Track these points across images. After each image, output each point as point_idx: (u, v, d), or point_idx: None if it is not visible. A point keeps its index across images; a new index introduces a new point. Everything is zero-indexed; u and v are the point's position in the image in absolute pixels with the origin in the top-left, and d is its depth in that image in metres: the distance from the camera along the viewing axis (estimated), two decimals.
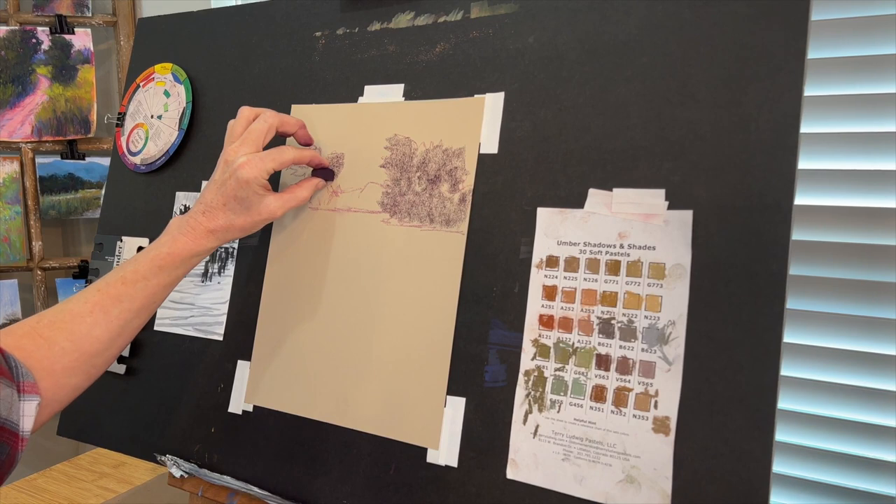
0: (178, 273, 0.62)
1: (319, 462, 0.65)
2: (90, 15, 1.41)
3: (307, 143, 0.70)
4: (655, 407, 0.51)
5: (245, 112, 0.65)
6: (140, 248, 0.82)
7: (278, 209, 0.63)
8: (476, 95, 0.63)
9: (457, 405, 0.59)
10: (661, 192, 0.53)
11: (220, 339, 0.74)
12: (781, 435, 0.87)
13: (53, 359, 0.54)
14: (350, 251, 0.67)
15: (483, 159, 0.61)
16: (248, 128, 0.64)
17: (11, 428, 0.49)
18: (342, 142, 0.70)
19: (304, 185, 0.67)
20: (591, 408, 0.53)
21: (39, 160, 1.40)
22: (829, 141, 0.84)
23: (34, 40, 1.37)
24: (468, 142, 0.62)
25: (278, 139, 0.70)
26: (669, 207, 0.53)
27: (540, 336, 0.56)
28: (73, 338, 0.56)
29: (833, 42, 0.83)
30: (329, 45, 0.73)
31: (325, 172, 0.69)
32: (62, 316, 0.56)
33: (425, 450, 0.60)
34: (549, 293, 0.57)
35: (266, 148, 0.64)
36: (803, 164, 0.84)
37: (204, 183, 0.79)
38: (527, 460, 0.55)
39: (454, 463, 0.58)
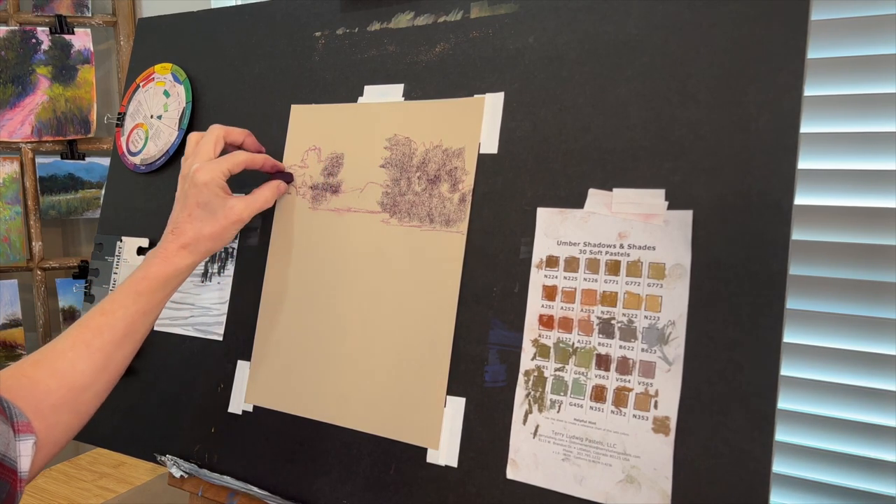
0: (157, 298, 0.61)
1: (319, 462, 0.65)
2: (90, 15, 1.41)
3: (257, 150, 0.71)
4: (655, 407, 0.51)
5: (192, 136, 0.68)
6: (140, 249, 0.82)
7: (244, 210, 0.64)
8: (476, 95, 0.63)
9: (457, 405, 0.59)
10: (661, 192, 0.53)
11: (220, 339, 0.74)
12: (781, 435, 0.87)
13: (39, 398, 0.54)
14: (350, 251, 0.67)
15: (483, 159, 0.61)
16: (197, 144, 0.66)
17: (10, 465, 0.49)
18: (342, 142, 0.70)
19: (267, 187, 0.68)
20: (591, 408, 0.54)
21: (39, 160, 1.40)
22: (829, 141, 0.84)
23: (34, 40, 1.37)
24: (468, 142, 0.62)
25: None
26: (669, 207, 0.53)
27: (540, 336, 0.56)
28: (57, 375, 0.55)
29: (833, 42, 0.83)
30: (329, 45, 0.73)
31: (284, 176, 0.70)
32: (45, 354, 0.56)
33: (425, 450, 0.60)
34: (549, 293, 0.57)
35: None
36: (803, 164, 0.84)
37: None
38: (527, 460, 0.55)
39: (454, 463, 0.58)
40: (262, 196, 0.67)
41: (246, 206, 0.64)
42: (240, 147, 0.70)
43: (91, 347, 0.57)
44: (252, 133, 0.71)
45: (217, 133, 0.66)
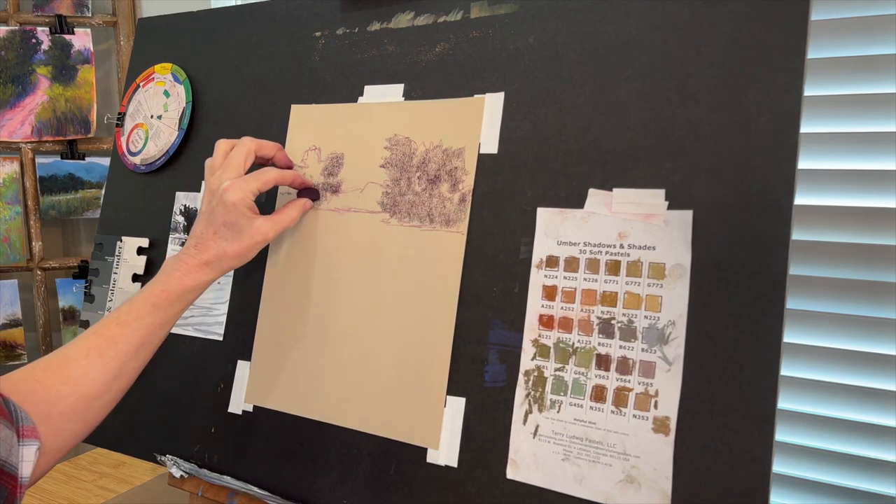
0: (174, 311, 0.61)
1: (319, 462, 0.65)
2: (90, 15, 1.41)
3: (287, 165, 0.70)
4: (655, 407, 0.51)
5: (221, 144, 0.66)
6: (140, 249, 0.82)
7: (270, 230, 0.63)
8: (476, 95, 0.63)
9: (457, 405, 0.59)
10: (661, 192, 0.53)
11: (220, 339, 0.74)
12: (781, 435, 0.87)
13: (50, 403, 0.53)
14: (350, 251, 0.67)
15: (483, 159, 0.61)
16: (228, 156, 0.65)
17: (10, 471, 0.48)
18: (342, 142, 0.70)
19: (293, 206, 0.67)
20: (591, 408, 0.54)
21: (39, 160, 1.40)
22: (829, 141, 0.84)
23: (34, 40, 1.37)
24: (468, 142, 0.62)
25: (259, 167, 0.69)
26: (669, 207, 0.53)
27: (540, 336, 0.56)
28: (70, 381, 0.55)
29: (833, 42, 0.83)
30: (329, 45, 0.73)
31: (310, 192, 0.69)
32: (58, 360, 0.55)
33: (425, 450, 0.60)
34: (549, 293, 0.57)
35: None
36: (803, 164, 0.84)
37: (203, 184, 0.79)
38: (527, 460, 0.55)
39: (454, 463, 0.58)
40: (288, 216, 0.66)
41: (272, 227, 0.63)
42: (269, 160, 0.69)
43: (105, 357, 0.56)
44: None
45: (249, 147, 0.65)
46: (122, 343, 0.57)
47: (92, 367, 0.56)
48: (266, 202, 0.73)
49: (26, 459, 0.50)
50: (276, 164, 0.69)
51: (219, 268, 0.62)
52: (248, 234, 0.62)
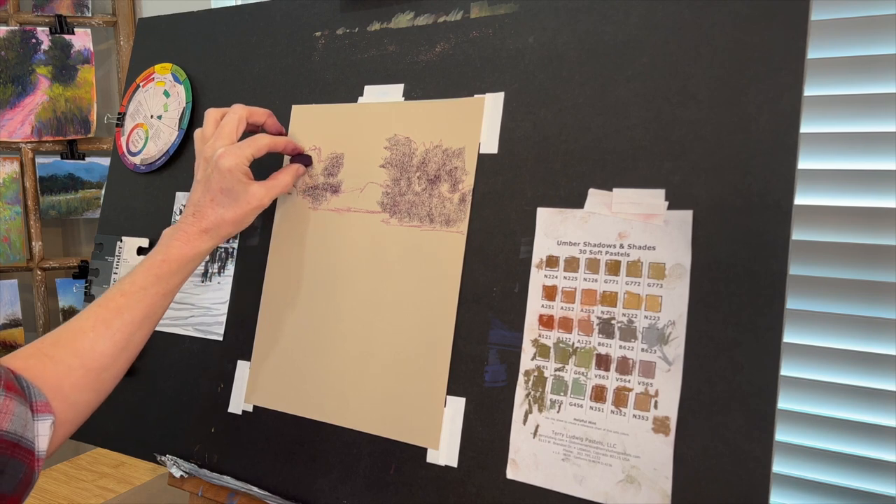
0: (176, 280, 0.61)
1: (319, 462, 0.65)
2: (90, 15, 1.41)
3: (278, 131, 0.71)
4: (655, 407, 0.51)
5: (211, 113, 0.67)
6: (140, 249, 0.82)
7: (265, 196, 0.64)
8: (476, 95, 0.63)
9: (457, 405, 0.59)
10: (661, 192, 0.53)
11: (220, 339, 0.74)
12: (781, 435, 0.87)
13: (60, 377, 0.54)
14: (350, 251, 0.67)
15: (483, 159, 0.61)
16: (219, 124, 0.65)
17: (27, 446, 0.49)
18: (342, 142, 0.70)
19: (286, 171, 0.68)
20: (591, 408, 0.54)
21: (39, 160, 1.40)
22: (829, 141, 0.84)
23: (34, 40, 1.37)
24: (468, 142, 0.62)
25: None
26: (669, 207, 0.53)
27: (540, 336, 0.56)
28: (78, 354, 0.55)
29: (833, 42, 0.83)
30: (329, 45, 0.73)
31: (302, 158, 0.70)
32: (65, 334, 0.56)
33: (425, 450, 0.60)
34: (549, 293, 0.57)
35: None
36: (803, 164, 0.84)
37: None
38: (527, 460, 0.55)
39: (454, 463, 0.58)
40: (282, 181, 0.67)
41: (267, 192, 0.64)
42: (261, 127, 0.69)
43: (111, 329, 0.57)
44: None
45: (240, 114, 0.66)
46: (128, 314, 0.58)
47: (98, 338, 0.56)
48: None
49: (42, 434, 0.51)
50: (267, 131, 0.70)
51: (217, 234, 0.63)
52: (245, 199, 0.63)
